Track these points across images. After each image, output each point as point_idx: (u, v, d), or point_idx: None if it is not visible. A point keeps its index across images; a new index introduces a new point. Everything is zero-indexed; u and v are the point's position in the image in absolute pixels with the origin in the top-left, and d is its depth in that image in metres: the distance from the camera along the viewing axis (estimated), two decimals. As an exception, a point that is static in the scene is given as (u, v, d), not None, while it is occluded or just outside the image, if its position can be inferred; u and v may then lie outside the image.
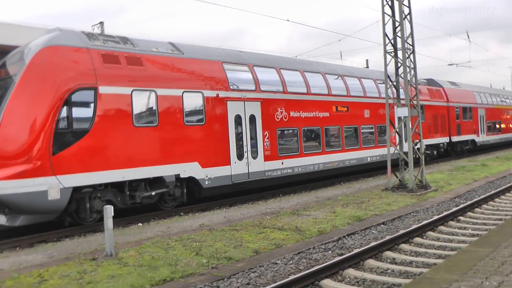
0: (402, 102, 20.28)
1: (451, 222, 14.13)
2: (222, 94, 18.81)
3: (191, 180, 17.83)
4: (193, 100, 17.98)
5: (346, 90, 24.84)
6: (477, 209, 16.01)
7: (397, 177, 20.16)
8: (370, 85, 27.11)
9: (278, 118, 20.82)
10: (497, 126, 45.73)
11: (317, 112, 22.77)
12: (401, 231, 12.70)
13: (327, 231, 13.11)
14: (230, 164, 18.86)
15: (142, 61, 16.75)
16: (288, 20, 23.81)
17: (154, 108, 16.75)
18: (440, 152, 34.90)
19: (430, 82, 36.53)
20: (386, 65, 19.61)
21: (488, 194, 18.29)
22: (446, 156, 36.94)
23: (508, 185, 20.55)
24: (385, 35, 19.44)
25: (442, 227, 13.54)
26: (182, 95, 17.53)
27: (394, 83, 20.06)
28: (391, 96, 20.60)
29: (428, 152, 32.57)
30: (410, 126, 19.33)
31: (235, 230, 13.38)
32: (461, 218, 14.74)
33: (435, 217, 14.20)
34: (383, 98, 27.18)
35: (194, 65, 18.42)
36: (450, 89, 37.51)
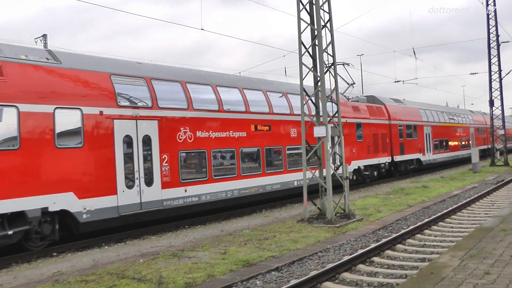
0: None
1: (361, 266, 11.47)
2: (107, 111, 15.97)
3: (65, 214, 14.85)
4: (68, 118, 15.10)
5: (268, 107, 22.21)
6: (399, 246, 13.42)
7: (315, 205, 17.49)
8: (298, 102, 24.53)
9: (181, 139, 18.03)
10: (445, 144, 43.82)
11: (231, 131, 20.06)
12: (292, 282, 9.97)
13: (198, 283, 10.29)
14: (117, 194, 15.96)
15: (2, 70, 13.79)
16: (202, 29, 20.95)
17: (15, 127, 13.80)
18: (382, 173, 32.50)
19: (371, 99, 34.31)
20: (301, 78, 17.03)
21: (417, 224, 15.79)
22: (389, 176, 34.67)
23: (442, 212, 18.13)
24: (301, 43, 16.86)
25: (346, 274, 10.83)
26: (53, 112, 14.65)
27: (313, 98, 17.38)
28: (313, 113, 17.95)
29: (367, 173, 30.17)
30: (329, 147, 16.64)
31: (83, 283, 10.49)
32: (376, 259, 12.09)
33: (343, 259, 11.56)
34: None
35: (73, 76, 15.54)
36: (393, 107, 35.36)
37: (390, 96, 39.57)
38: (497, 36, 41.53)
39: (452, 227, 16.08)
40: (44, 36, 47.06)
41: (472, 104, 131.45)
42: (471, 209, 19.85)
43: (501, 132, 44.24)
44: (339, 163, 26.30)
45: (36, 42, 46.46)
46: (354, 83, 31.21)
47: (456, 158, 46.82)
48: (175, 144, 17.86)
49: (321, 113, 17.15)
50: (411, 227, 15.51)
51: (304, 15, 16.91)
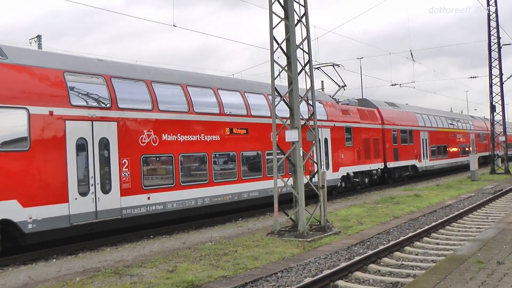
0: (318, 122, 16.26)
1: (322, 291, 9.97)
2: (58, 111, 14.56)
3: (9, 224, 13.43)
4: (11, 119, 13.71)
5: (246, 109, 20.73)
6: (372, 266, 11.89)
7: (287, 215, 15.99)
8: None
9: (143, 143, 16.60)
10: (443, 150, 42.21)
11: (202, 135, 18.60)
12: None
13: (123, 311, 8.81)
14: (68, 202, 14.53)
15: None
16: (175, 25, 19.50)
17: None
18: (374, 179, 30.92)
19: (363, 102, 32.82)
20: (273, 77, 15.52)
21: (398, 239, 14.29)
22: (383, 183, 33.11)
23: (429, 225, 16.59)
24: (272, 39, 15.37)
25: (301, 302, 9.33)
26: (-6, 112, 13.23)
27: (287, 99, 15.86)
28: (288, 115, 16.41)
29: (357, 180, 28.63)
30: (301, 154, 15.13)
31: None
32: (340, 282, 10.57)
33: (303, 282, 10.08)
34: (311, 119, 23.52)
35: (20, 73, 14.13)
36: (387, 110, 33.81)
37: (391, 101, 38.09)
38: (498, 38, 39.98)
39: (437, 243, 14.54)
40: (39, 37, 45.90)
41: (475, 109, 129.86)
42: (462, 222, 18.30)
43: (502, 138, 42.56)
44: (323, 169, 24.89)
45: (30, 43, 45.33)
46: (345, 85, 29.74)
47: (456, 165, 45.23)
48: (137, 148, 16.42)
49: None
50: (391, 242, 14.01)
51: (278, 9, 15.41)
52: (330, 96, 28.54)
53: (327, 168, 25.57)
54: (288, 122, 15.46)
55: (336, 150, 26.35)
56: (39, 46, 45.78)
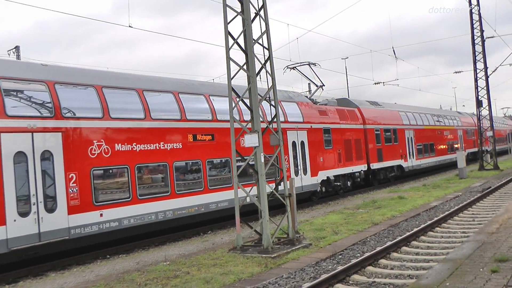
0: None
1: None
2: (-9, 123, 13.04)
3: None
4: None
5: (211, 113, 19.26)
6: (338, 285, 10.46)
7: (251, 227, 14.54)
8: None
9: (94, 154, 15.12)
10: (430, 148, 40.87)
11: (162, 143, 17.14)
12: None
13: None
14: (6, 224, 13.02)
15: None
16: (130, 26, 18.04)
17: None
18: (357, 182, 29.47)
19: (344, 102, 31.40)
20: (229, 76, 14.06)
21: (374, 251, 12.87)
22: (368, 186, 31.70)
23: (410, 232, 15.20)
24: (227, 34, 13.93)
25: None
26: None
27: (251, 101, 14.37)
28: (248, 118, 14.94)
29: (339, 184, 27.20)
30: (262, 160, 13.66)
31: None
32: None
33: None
34: (281, 122, 22.03)
35: None
36: (368, 110, 32.42)
37: (380, 100, 36.78)
38: (481, 31, 38.69)
39: (417, 254, 13.13)
40: (17, 48, 44.64)
41: (463, 105, 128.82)
42: (446, 226, 16.93)
43: (490, 133, 41.27)
44: (300, 174, 23.47)
45: (9, 54, 44.04)
46: (323, 85, 28.39)
47: (444, 162, 43.92)
48: (86, 160, 14.94)
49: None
50: (365, 255, 12.58)
51: (234, 2, 13.99)
52: (306, 96, 27.14)
53: (305, 172, 24.14)
54: (250, 125, 13.98)
55: (314, 153, 24.92)
56: (18, 57, 44.49)
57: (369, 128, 31.12)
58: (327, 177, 25.95)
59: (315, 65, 27.33)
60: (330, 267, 11.94)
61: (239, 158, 14.47)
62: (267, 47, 14.17)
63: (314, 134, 25.16)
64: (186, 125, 18.06)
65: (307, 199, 25.24)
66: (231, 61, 13.85)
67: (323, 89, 28.63)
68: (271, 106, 14.49)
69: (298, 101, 25.05)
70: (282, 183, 14.48)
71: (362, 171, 29.60)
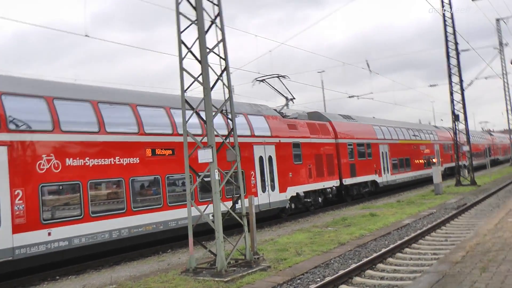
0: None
1: None
2: None
3: None
4: None
5: (171, 127, 18.49)
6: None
7: (205, 248, 13.74)
8: (219, 121, 20.84)
9: (42, 169, 14.26)
10: (406, 163, 40.36)
11: (117, 158, 16.30)
12: None
13: None
14: None
15: None
16: (87, 36, 17.24)
17: None
18: (329, 198, 28.76)
19: (315, 115, 30.74)
20: (183, 87, 13.31)
21: (336, 275, 12.14)
22: (340, 201, 31.00)
23: (378, 253, 14.48)
24: (180, 43, 13.21)
25: None
26: None
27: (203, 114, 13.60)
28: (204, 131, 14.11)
29: (309, 200, 26.47)
30: (217, 177, 12.88)
31: None
32: None
33: None
34: (247, 136, 21.33)
35: None
36: (341, 123, 31.80)
37: (358, 115, 36.23)
38: (456, 44, 38.43)
39: (381, 278, 12.34)
40: None
41: (441, 120, 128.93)
42: (417, 246, 16.18)
43: (466, 148, 40.89)
44: (267, 190, 22.72)
45: None
46: (293, 98, 27.76)
47: (420, 177, 43.41)
48: (34, 175, 14.08)
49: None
50: (326, 279, 11.84)
51: (187, 9, 13.28)
52: (275, 110, 26.43)
53: (273, 188, 23.40)
54: (206, 139, 13.22)
55: (283, 168, 24.19)
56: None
57: (341, 142, 30.49)
58: (297, 193, 25.22)
59: (284, 78, 26.71)
60: (285, 293, 11.17)
61: (188, 174, 13.63)
62: (223, 57, 13.45)
63: (283, 148, 24.46)
64: (144, 139, 17.27)
65: (275, 216, 24.49)
66: (185, 73, 13.10)
67: (293, 102, 28.02)
68: (228, 120, 13.74)
69: (266, 114, 24.37)
70: (240, 201, 13.69)
71: (334, 187, 28.91)
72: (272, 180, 23.48)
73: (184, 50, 13.23)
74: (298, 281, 12.21)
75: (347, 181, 30.51)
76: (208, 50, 12.95)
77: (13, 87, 14.53)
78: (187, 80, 13.38)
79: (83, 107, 15.92)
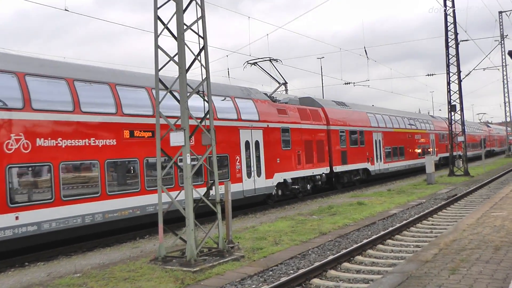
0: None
1: None
2: None
3: None
4: None
5: (152, 108, 17.78)
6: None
7: (176, 235, 13.14)
8: (196, 102, 20.11)
9: (10, 149, 13.57)
10: (399, 152, 39.73)
11: (92, 139, 15.63)
12: None
13: None
14: None
15: None
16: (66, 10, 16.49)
17: None
18: (318, 185, 28.13)
19: (307, 101, 30.01)
20: (157, 66, 12.63)
21: (309, 267, 11.55)
22: (331, 189, 30.41)
23: (357, 244, 13.90)
24: (157, 19, 12.50)
25: None
26: None
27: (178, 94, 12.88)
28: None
29: (297, 187, 25.84)
30: (189, 161, 12.22)
31: None
32: None
33: None
34: (234, 120, 20.73)
35: None
36: (333, 110, 31.09)
37: (360, 103, 35.55)
38: (456, 34, 37.70)
39: (357, 271, 11.75)
40: None
41: (440, 110, 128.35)
42: (400, 238, 15.63)
43: (461, 138, 40.25)
44: (253, 176, 22.08)
45: None
46: (285, 83, 27.04)
47: (414, 167, 42.83)
48: (1, 156, 13.37)
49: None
50: (299, 272, 11.26)
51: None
52: (265, 94, 25.70)
53: (259, 174, 22.76)
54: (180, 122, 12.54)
55: (270, 154, 23.54)
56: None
57: (333, 129, 29.82)
58: (284, 179, 24.60)
59: (276, 61, 25.98)
60: (254, 286, 10.56)
61: (159, 158, 12.94)
62: (202, 35, 12.73)
63: (271, 133, 23.80)
64: (122, 120, 16.59)
65: (261, 202, 23.88)
66: (160, 50, 12.40)
67: (286, 87, 27.27)
68: (204, 101, 13.04)
69: (255, 98, 23.66)
70: (214, 187, 13.04)
71: (323, 174, 28.28)
72: (259, 165, 22.84)
73: (161, 27, 12.50)
74: (270, 272, 11.64)
75: (338, 168, 29.90)
76: (185, 27, 12.19)
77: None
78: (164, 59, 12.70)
79: (58, 84, 15.22)
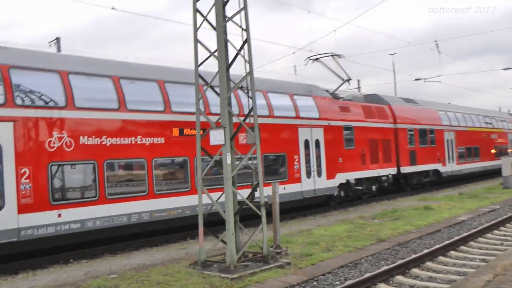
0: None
1: None
2: None
3: None
4: None
5: (204, 105, 17.24)
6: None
7: (217, 237, 12.48)
8: (262, 101, 19.52)
9: (53, 147, 13.39)
10: (474, 152, 37.65)
11: (139, 137, 15.26)
12: None
13: None
14: None
15: None
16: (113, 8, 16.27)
17: None
18: (384, 187, 26.86)
19: (372, 98, 28.76)
20: (197, 61, 12.01)
21: (358, 279, 10.63)
22: (399, 191, 29.04)
23: (414, 256, 12.76)
24: (196, 12, 11.91)
25: None
26: None
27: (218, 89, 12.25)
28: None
29: (361, 188, 24.74)
30: (229, 161, 11.55)
31: None
32: None
33: None
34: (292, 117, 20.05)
35: None
36: (401, 107, 29.66)
37: (436, 100, 33.92)
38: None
39: (411, 287, 10.61)
40: (57, 39, 44.13)
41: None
42: (465, 249, 14.02)
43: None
44: (313, 176, 21.21)
45: (50, 46, 43.56)
46: (349, 79, 25.99)
47: (490, 169, 40.43)
48: (43, 153, 13.24)
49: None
50: (346, 283, 10.32)
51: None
52: (327, 91, 24.72)
53: (319, 174, 21.85)
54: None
55: (332, 153, 22.58)
56: (58, 48, 43.91)
57: (400, 127, 28.42)
58: (347, 180, 23.56)
59: (339, 57, 24.98)
60: (293, 300, 9.73)
61: (200, 157, 12.32)
62: (244, 28, 12.03)
63: (333, 132, 22.82)
64: (170, 118, 16.17)
65: (323, 203, 22.95)
66: (194, 43, 11.81)
67: (349, 83, 26.24)
68: (249, 98, 12.33)
69: (315, 95, 22.75)
70: (258, 189, 12.30)
71: (390, 175, 26.97)
72: (319, 165, 21.93)
73: (200, 20, 11.90)
74: (315, 283, 10.74)
75: (406, 169, 28.47)
76: (226, 18, 11.54)
77: (22, 61, 13.67)
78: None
79: (103, 82, 14.94)
